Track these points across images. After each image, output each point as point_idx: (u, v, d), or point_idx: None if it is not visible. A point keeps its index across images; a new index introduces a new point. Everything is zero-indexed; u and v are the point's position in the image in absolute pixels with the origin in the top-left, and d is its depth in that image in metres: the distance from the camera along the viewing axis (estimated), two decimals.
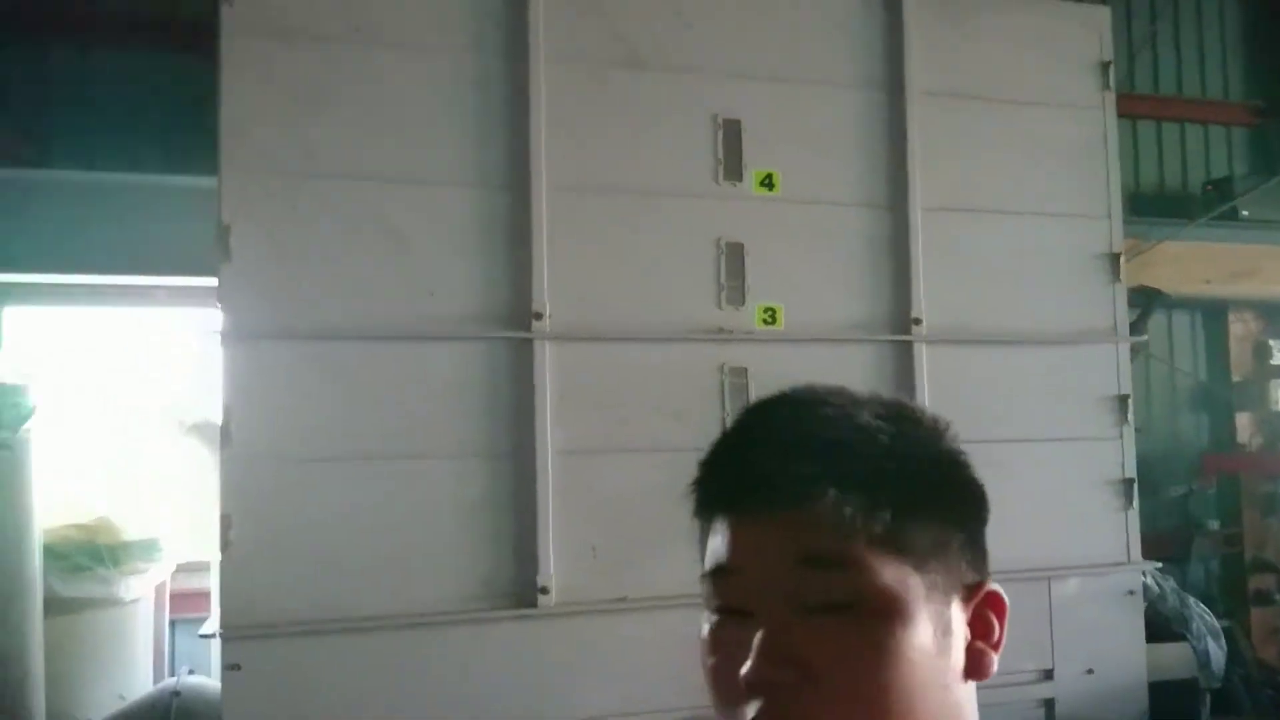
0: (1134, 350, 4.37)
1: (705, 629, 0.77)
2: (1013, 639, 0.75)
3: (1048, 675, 3.01)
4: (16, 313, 3.89)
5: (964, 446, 0.79)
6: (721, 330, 2.87)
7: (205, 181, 3.50)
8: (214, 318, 2.59)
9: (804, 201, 2.96)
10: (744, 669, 0.70)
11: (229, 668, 2.43)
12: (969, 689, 0.76)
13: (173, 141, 3.78)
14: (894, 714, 0.69)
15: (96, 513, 3.41)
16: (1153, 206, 5.25)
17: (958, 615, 0.75)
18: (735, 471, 0.77)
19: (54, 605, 3.21)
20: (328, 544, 2.49)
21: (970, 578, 0.77)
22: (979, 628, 0.77)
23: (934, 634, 0.72)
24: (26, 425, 3.00)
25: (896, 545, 0.72)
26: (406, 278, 2.59)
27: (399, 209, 2.60)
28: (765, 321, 2.91)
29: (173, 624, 4.01)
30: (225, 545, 2.44)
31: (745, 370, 2.86)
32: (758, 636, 0.70)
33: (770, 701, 0.70)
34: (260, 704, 2.44)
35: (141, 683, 3.56)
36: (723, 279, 2.89)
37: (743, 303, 2.89)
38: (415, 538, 2.57)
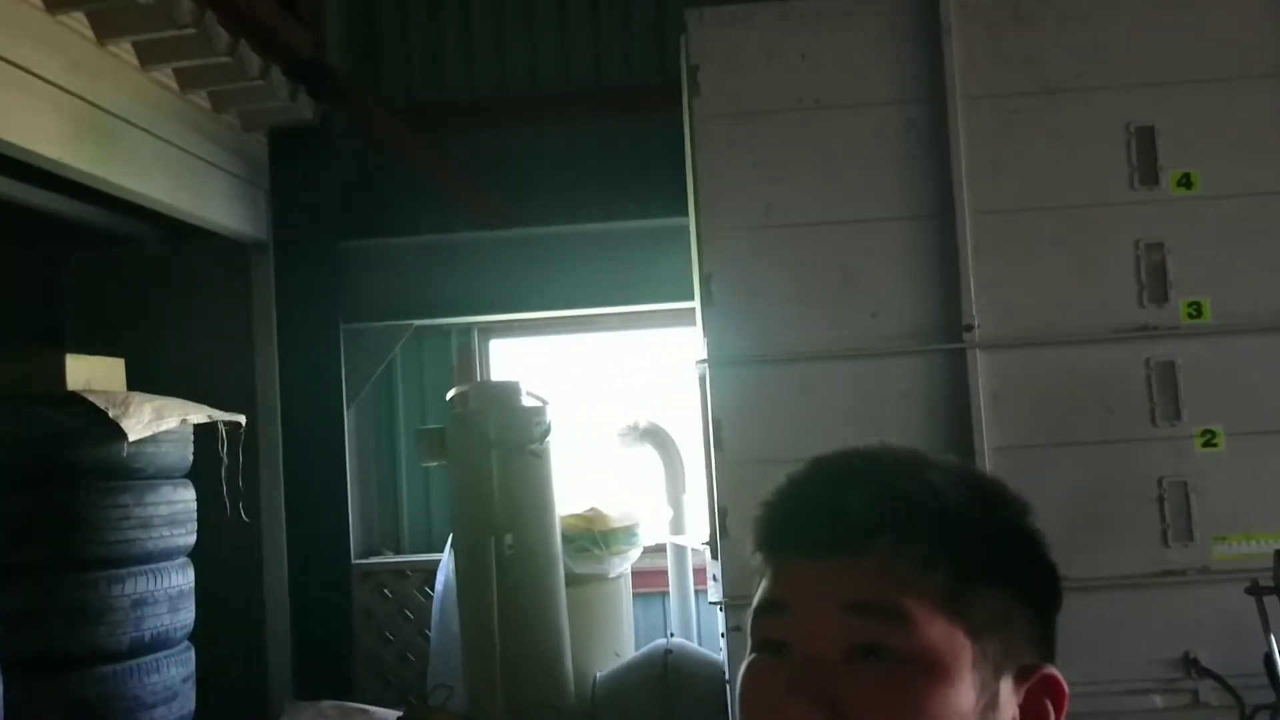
0: None
1: (744, 666, 0.76)
2: None
3: None
4: (515, 344, 4.90)
5: None
6: (1146, 327, 3.04)
7: (657, 224, 4.29)
8: (683, 342, 3.22)
9: (1227, 196, 3.04)
10: (774, 705, 0.69)
11: (732, 629, 3.04)
12: None
13: (626, 192, 4.58)
14: None
15: (590, 505, 4.24)
16: None
17: (1008, 693, 0.72)
18: (792, 512, 0.77)
19: (567, 579, 4.05)
20: None
21: (1030, 659, 0.74)
22: (1032, 713, 0.74)
23: (976, 704, 0.70)
24: (547, 438, 3.84)
25: (951, 606, 0.70)
26: (853, 304, 3.06)
27: (844, 246, 3.07)
28: (1191, 316, 3.03)
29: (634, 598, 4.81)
30: (724, 532, 3.04)
31: (1173, 364, 3.01)
32: (794, 673, 0.70)
33: None
34: None
35: (626, 645, 4.35)
36: (1144, 278, 3.05)
37: (1166, 300, 3.04)
38: None
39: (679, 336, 4.58)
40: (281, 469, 4.70)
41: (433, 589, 4.43)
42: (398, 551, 5.12)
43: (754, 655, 0.74)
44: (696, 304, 3.26)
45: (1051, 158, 3.07)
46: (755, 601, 0.76)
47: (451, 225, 4.94)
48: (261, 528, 4.62)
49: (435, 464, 4.07)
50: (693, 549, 4.38)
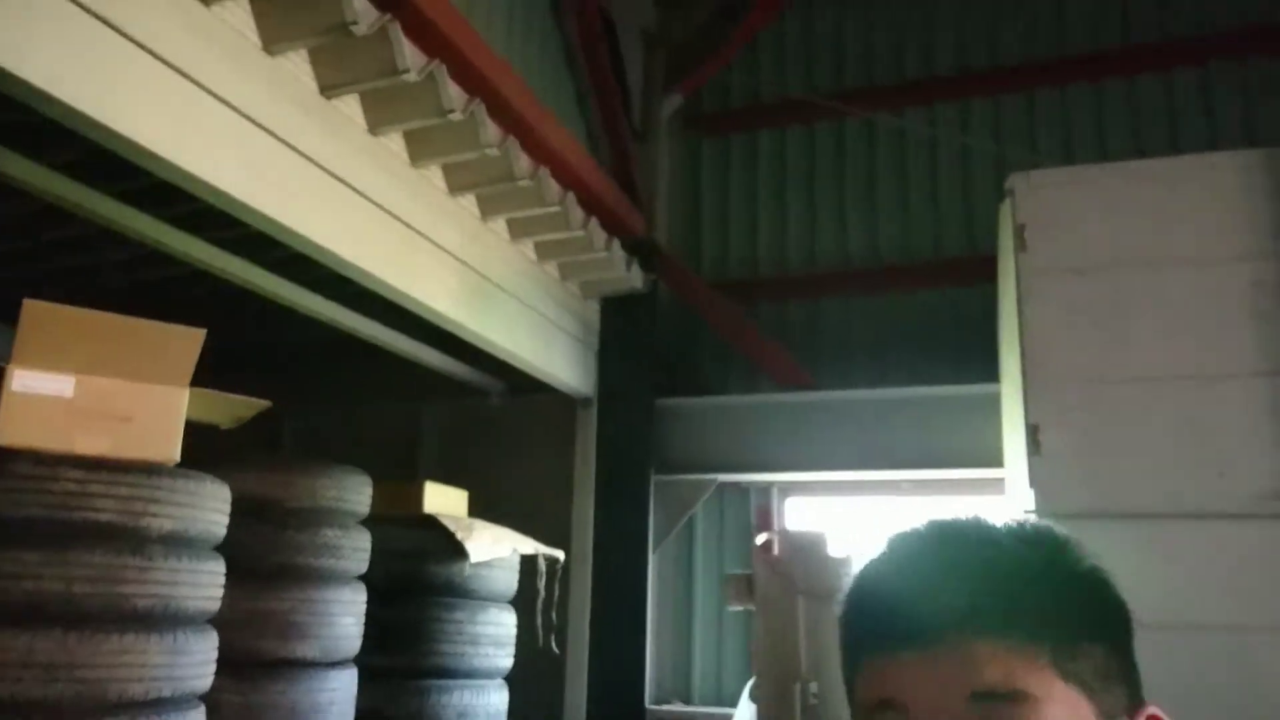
0: None
1: None
2: None
3: None
4: (811, 502, 5.01)
5: None
6: None
7: (954, 390, 4.35)
8: (1015, 501, 3.19)
9: None
10: None
11: None
12: None
13: (923, 360, 4.70)
14: None
15: None
16: None
17: None
18: (888, 607, 0.77)
19: None
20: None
21: (1131, 701, 0.75)
22: None
23: None
24: None
25: (1065, 670, 0.71)
26: (1199, 460, 2.93)
27: (1189, 401, 2.98)
28: None
29: None
30: None
31: None
32: None
33: None
34: None
35: None
36: None
37: None
38: (1245, 708, 2.74)
39: (976, 504, 4.53)
40: (589, 607, 4.97)
41: None
42: (687, 701, 5.17)
43: None
44: (1019, 459, 3.25)
45: None
46: (864, 703, 0.77)
47: (757, 387, 5.24)
48: (566, 660, 4.86)
49: (740, 608, 4.16)
50: None
